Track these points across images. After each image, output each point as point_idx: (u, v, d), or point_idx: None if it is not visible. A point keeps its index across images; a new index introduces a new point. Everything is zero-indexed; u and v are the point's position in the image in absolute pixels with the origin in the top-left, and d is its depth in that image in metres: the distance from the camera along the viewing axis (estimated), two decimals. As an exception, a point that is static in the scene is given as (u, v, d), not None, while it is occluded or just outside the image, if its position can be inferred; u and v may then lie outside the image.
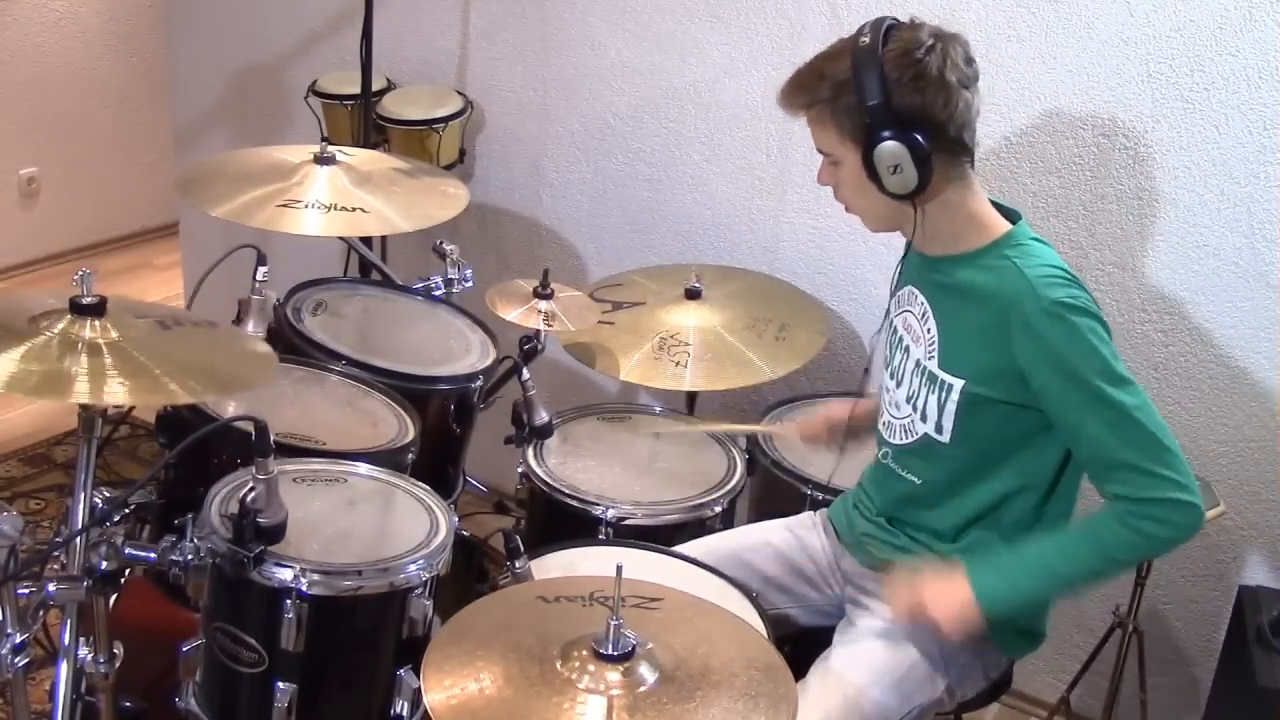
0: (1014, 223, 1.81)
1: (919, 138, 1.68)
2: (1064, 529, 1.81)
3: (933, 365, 1.83)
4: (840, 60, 1.72)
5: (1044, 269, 1.72)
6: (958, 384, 1.79)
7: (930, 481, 1.88)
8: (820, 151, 1.81)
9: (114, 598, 1.72)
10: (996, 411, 1.77)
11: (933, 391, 1.82)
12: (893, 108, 1.68)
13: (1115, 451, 1.70)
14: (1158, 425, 1.70)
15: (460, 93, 3.07)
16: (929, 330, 1.84)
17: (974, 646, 1.89)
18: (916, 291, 1.88)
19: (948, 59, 1.69)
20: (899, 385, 1.90)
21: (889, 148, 1.69)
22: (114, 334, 1.63)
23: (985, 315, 1.75)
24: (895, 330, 1.94)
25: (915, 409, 1.86)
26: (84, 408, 1.64)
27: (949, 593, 1.77)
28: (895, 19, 1.74)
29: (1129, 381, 1.70)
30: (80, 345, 1.59)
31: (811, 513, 2.14)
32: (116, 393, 1.54)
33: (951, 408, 1.80)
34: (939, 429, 1.82)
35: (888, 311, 1.97)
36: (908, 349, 1.89)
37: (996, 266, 1.76)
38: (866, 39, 1.70)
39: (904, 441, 1.89)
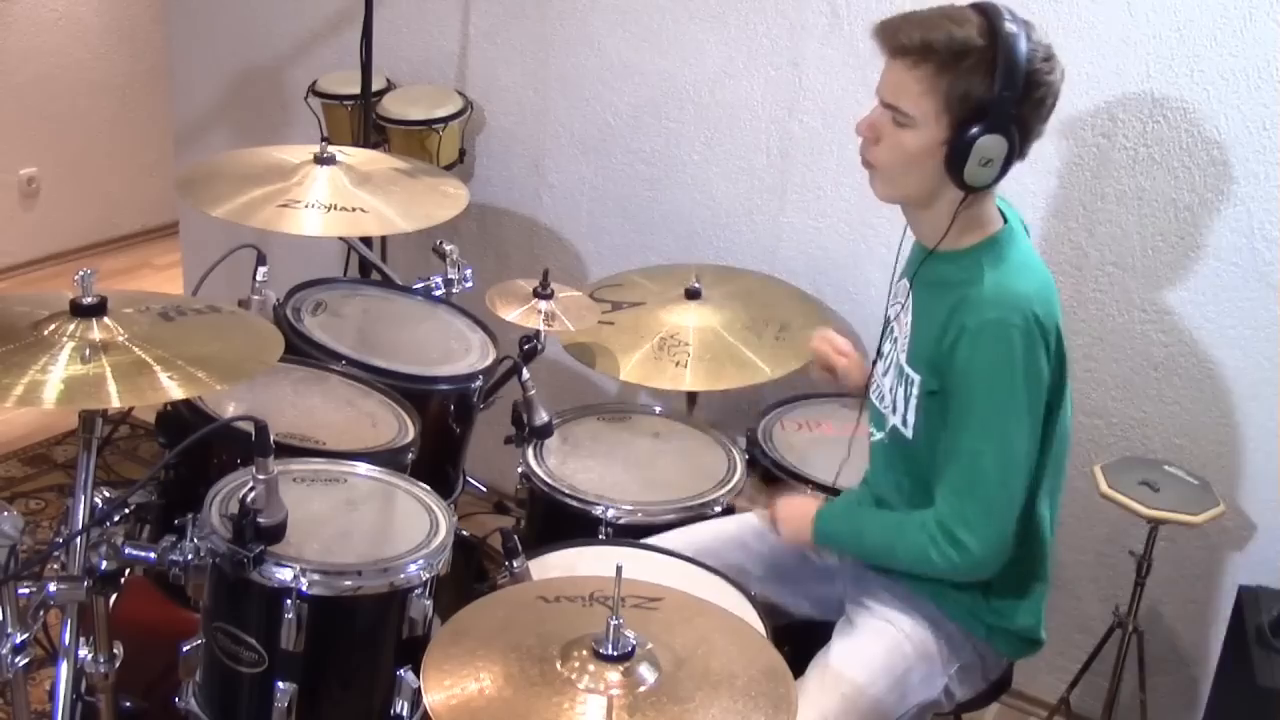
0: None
1: (1018, 141, 1.68)
2: (904, 511, 1.87)
3: (902, 359, 1.84)
4: (968, 27, 1.66)
5: (1005, 283, 1.71)
6: (916, 379, 1.80)
7: (907, 474, 1.89)
8: (889, 104, 1.73)
9: (114, 598, 1.72)
10: (947, 409, 1.77)
11: (900, 384, 1.84)
12: (1019, 108, 1.66)
13: (955, 475, 1.73)
14: (1002, 486, 1.71)
15: (460, 93, 3.07)
16: (906, 324, 1.85)
17: (975, 650, 1.90)
18: (907, 285, 1.89)
19: (1058, 84, 1.69)
20: (885, 375, 1.91)
21: (994, 141, 1.66)
22: (117, 333, 1.64)
23: (943, 313, 1.75)
24: (888, 322, 1.94)
25: (891, 400, 1.87)
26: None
27: (799, 506, 1.96)
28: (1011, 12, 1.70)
29: (1009, 434, 1.69)
30: (85, 349, 1.60)
31: None
32: (125, 395, 1.54)
33: (913, 402, 1.81)
34: (904, 423, 1.84)
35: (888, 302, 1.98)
36: (895, 340, 1.90)
37: (969, 268, 1.75)
38: (1012, 27, 1.65)
39: (880, 434, 1.92)
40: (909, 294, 1.87)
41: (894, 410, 1.85)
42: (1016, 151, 1.69)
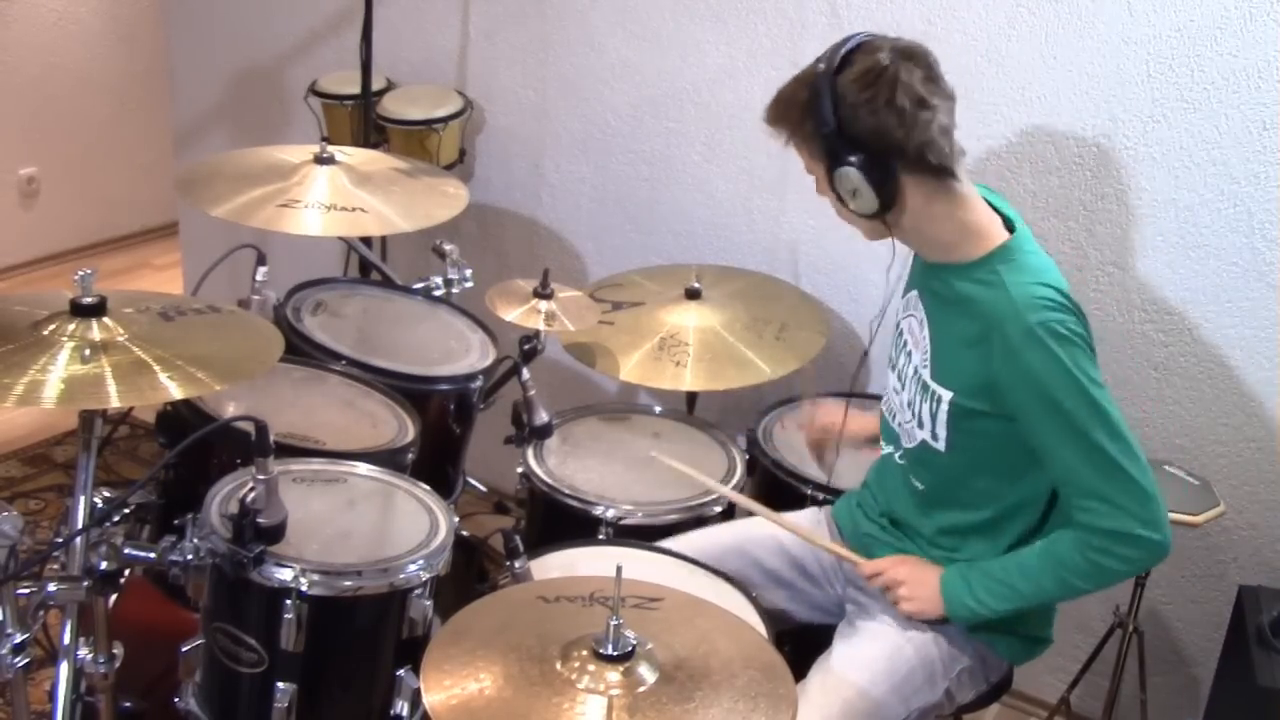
0: (1011, 231, 1.80)
1: (875, 161, 1.70)
2: (1032, 546, 1.81)
3: (926, 375, 1.83)
4: (801, 84, 1.74)
5: (1032, 288, 1.71)
6: (946, 395, 1.79)
7: (931, 487, 1.88)
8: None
9: (114, 598, 1.72)
10: (985, 424, 1.77)
11: (926, 400, 1.83)
12: (845, 134, 1.69)
13: (1084, 480, 1.69)
14: (1131, 458, 1.69)
15: (460, 93, 3.07)
16: (925, 338, 1.85)
17: (976, 652, 1.90)
18: (919, 299, 1.88)
19: (899, 83, 1.67)
20: (903, 388, 1.90)
21: (843, 173, 1.72)
22: (117, 333, 1.63)
23: (972, 329, 1.75)
24: (901, 334, 1.94)
25: (914, 414, 1.86)
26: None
27: (921, 582, 1.84)
28: (864, 37, 1.73)
29: (1106, 412, 1.68)
30: (85, 349, 1.59)
31: (817, 509, 2.15)
32: (125, 395, 1.54)
33: (943, 418, 1.80)
34: (934, 437, 1.83)
35: (897, 311, 1.98)
36: (910, 354, 1.89)
37: (987, 280, 1.75)
38: (823, 65, 1.71)
39: (909, 445, 1.90)
40: (922, 308, 1.87)
41: (920, 426, 1.85)
42: (891, 166, 1.70)
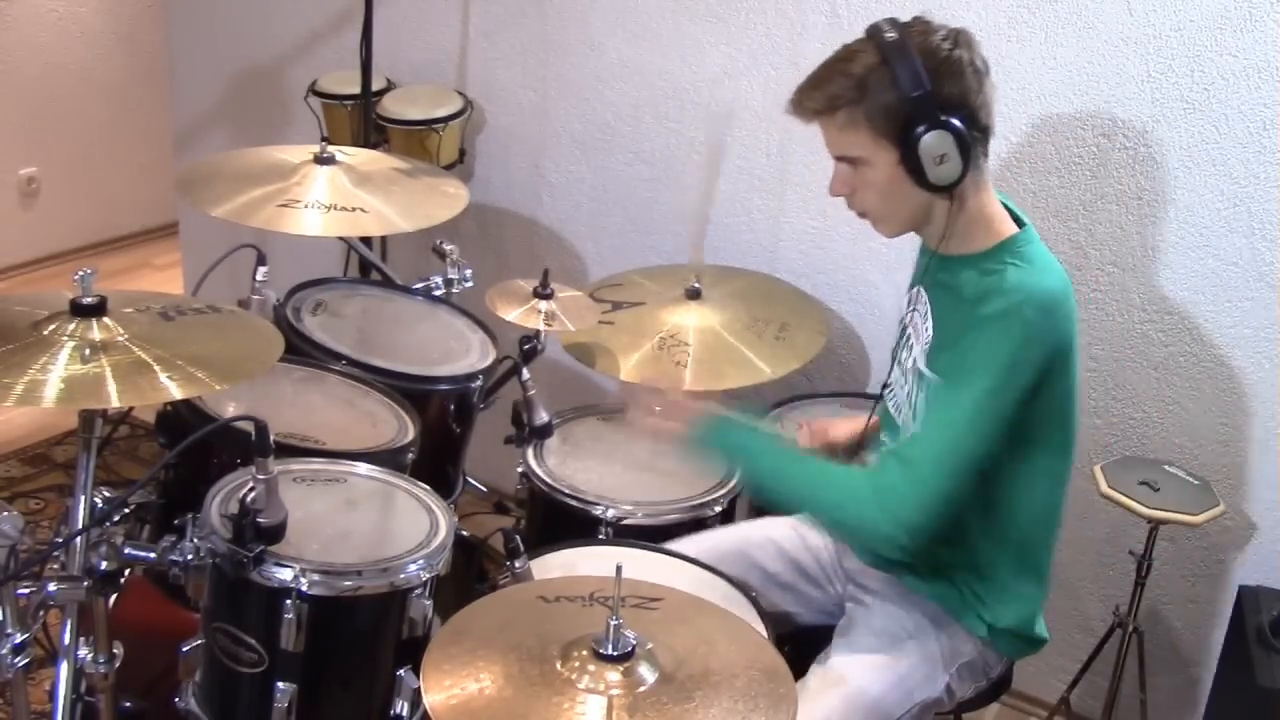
0: (1021, 227, 1.80)
1: (961, 125, 1.68)
2: (822, 462, 1.87)
3: (922, 363, 1.83)
4: (860, 59, 1.70)
5: (1029, 282, 1.70)
6: (936, 381, 1.79)
7: None
8: (841, 158, 1.78)
9: (114, 598, 1.72)
10: None
11: (920, 389, 1.82)
12: (935, 97, 1.67)
13: (913, 439, 1.75)
14: (956, 455, 1.69)
15: (460, 93, 3.07)
16: (928, 329, 1.85)
17: (976, 647, 1.90)
18: (923, 292, 1.88)
19: (971, 47, 1.71)
20: (905, 381, 1.90)
21: (935, 138, 1.68)
22: (117, 333, 1.63)
23: (968, 315, 1.74)
24: (905, 329, 1.94)
25: (911, 406, 1.86)
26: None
27: (685, 405, 1.89)
28: (898, 19, 1.73)
29: (985, 414, 1.68)
30: (85, 349, 1.59)
31: None
32: (125, 395, 1.54)
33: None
34: None
35: (901, 310, 1.98)
36: (912, 347, 1.89)
37: (992, 270, 1.75)
38: (892, 35, 1.69)
39: (892, 442, 1.90)
40: (926, 300, 1.87)
41: (915, 417, 1.84)
42: (971, 133, 1.70)
